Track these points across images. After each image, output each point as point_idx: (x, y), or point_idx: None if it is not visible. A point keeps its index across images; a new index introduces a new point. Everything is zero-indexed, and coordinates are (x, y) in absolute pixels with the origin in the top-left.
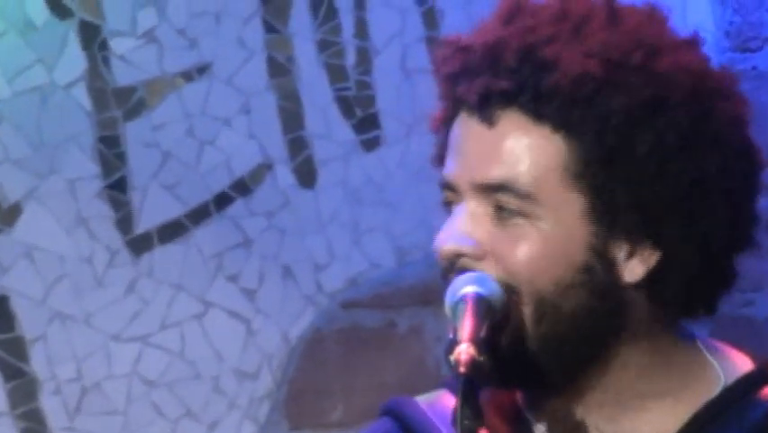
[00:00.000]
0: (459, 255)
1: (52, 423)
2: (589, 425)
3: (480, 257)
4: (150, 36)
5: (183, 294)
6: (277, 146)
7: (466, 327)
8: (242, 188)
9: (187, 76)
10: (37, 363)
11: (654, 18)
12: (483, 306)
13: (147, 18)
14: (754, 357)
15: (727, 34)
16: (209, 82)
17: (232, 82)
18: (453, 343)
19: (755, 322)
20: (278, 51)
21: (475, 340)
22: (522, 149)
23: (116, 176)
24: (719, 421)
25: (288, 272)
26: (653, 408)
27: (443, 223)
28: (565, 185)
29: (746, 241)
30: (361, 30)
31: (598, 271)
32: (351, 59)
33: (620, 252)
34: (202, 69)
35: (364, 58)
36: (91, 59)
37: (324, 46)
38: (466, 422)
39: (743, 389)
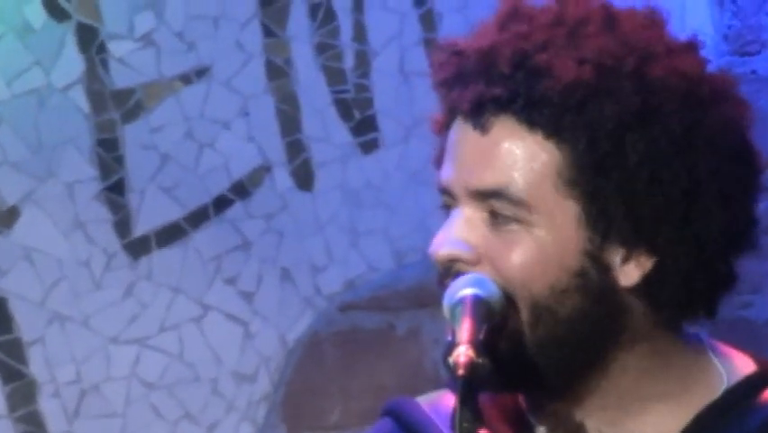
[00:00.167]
0: (454, 260)
1: (51, 426)
2: (590, 428)
3: (474, 262)
4: (148, 39)
5: (181, 297)
6: (275, 149)
7: (464, 329)
8: (241, 190)
9: (186, 79)
10: (36, 366)
11: (652, 22)
12: (482, 308)
13: (145, 21)
14: (756, 359)
15: (726, 38)
16: (207, 85)
17: (230, 85)
18: (452, 345)
19: (754, 324)
20: (277, 54)
21: (474, 342)
22: (515, 156)
23: (114, 178)
24: (721, 424)
25: (286, 275)
26: (655, 410)
27: (440, 225)
28: (559, 191)
29: (745, 243)
30: (360, 33)
31: (594, 276)
32: (349, 61)
33: (615, 257)
34: (200, 72)
35: (362, 60)
36: (89, 62)
37: (322, 49)
38: (465, 425)
39: (745, 391)
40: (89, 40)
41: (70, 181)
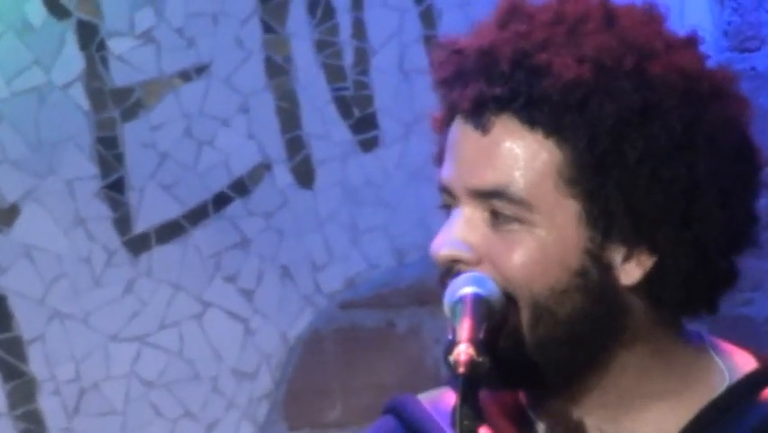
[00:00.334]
0: (455, 261)
1: (51, 424)
2: (590, 426)
3: (475, 262)
4: (147, 36)
5: (181, 294)
6: (275, 146)
7: (465, 327)
8: (241, 188)
9: (185, 76)
10: (35, 364)
11: (651, 18)
12: (482, 306)
13: (145, 18)
14: (757, 356)
15: (726, 34)
16: (207, 82)
17: (230, 82)
18: (452, 343)
19: (754, 321)
20: (276, 52)
21: (474, 340)
22: (515, 155)
23: (114, 176)
24: (722, 421)
25: (286, 273)
26: (656, 408)
27: (441, 223)
28: (559, 190)
29: (745, 241)
30: (359, 30)
31: (594, 276)
32: (348, 59)
33: (616, 255)
34: (200, 70)
35: (362, 58)
36: (89, 60)
37: (321, 46)
38: (465, 422)
39: (746, 388)
40: (89, 37)
41: (70, 179)
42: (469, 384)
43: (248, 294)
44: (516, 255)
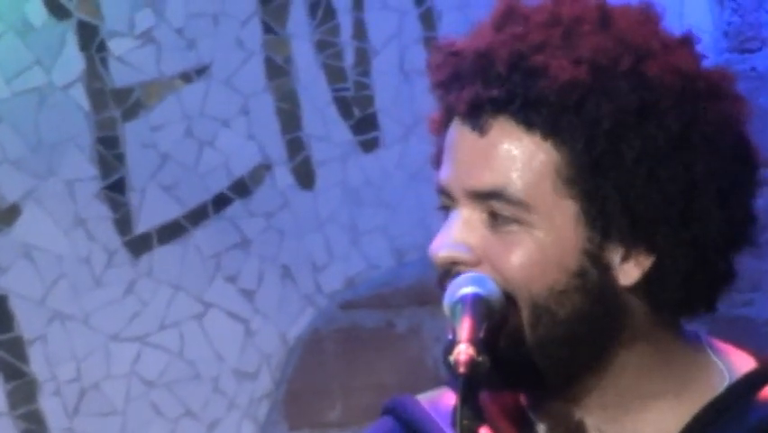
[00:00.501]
0: (454, 263)
1: (52, 424)
2: (590, 426)
3: (474, 264)
4: (148, 37)
5: (182, 294)
6: (275, 147)
7: (465, 327)
8: (241, 188)
9: (186, 77)
10: (36, 364)
11: (647, 18)
12: (482, 306)
13: (145, 19)
14: (755, 356)
15: (726, 35)
16: (207, 83)
17: (230, 83)
18: (452, 343)
19: (754, 322)
20: (277, 52)
21: (474, 340)
22: (513, 156)
23: (115, 177)
24: (721, 421)
25: (286, 273)
26: (655, 408)
27: (441, 224)
28: (557, 191)
29: (744, 240)
30: (360, 31)
31: (593, 276)
32: (349, 59)
33: (615, 256)
34: (200, 70)
35: (362, 59)
36: (89, 60)
37: (322, 47)
38: (465, 422)
39: (745, 388)
40: (89, 38)
41: (71, 179)
42: (469, 384)
43: (248, 294)
44: (515, 256)
